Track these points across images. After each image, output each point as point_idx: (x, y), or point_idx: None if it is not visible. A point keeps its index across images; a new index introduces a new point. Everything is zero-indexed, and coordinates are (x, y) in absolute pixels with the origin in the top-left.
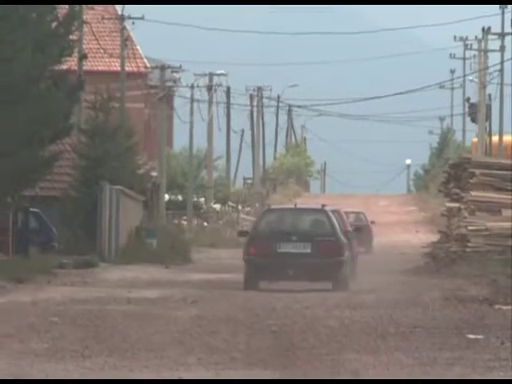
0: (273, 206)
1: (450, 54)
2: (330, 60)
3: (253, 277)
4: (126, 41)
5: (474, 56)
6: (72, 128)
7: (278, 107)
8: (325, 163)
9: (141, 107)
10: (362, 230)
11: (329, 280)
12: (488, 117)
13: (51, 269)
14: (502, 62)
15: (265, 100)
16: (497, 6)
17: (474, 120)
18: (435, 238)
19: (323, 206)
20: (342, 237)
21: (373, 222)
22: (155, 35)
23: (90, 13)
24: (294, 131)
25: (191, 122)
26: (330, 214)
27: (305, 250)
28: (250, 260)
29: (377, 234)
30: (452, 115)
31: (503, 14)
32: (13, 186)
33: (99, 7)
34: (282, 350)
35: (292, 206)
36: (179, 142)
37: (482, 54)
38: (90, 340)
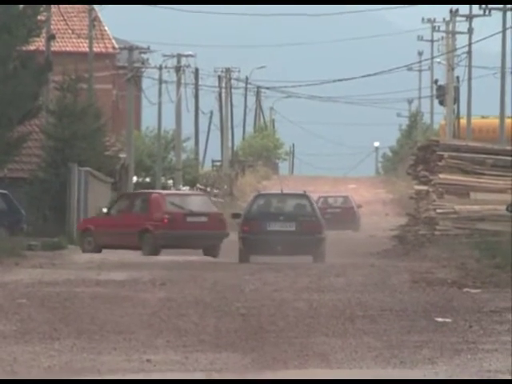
0: (262, 192)
1: (418, 36)
2: (298, 42)
3: (246, 251)
4: (93, 21)
5: (442, 38)
6: (40, 109)
7: (246, 89)
8: (293, 145)
9: (109, 88)
10: (348, 212)
11: (310, 254)
12: (456, 99)
13: (19, 251)
14: (469, 44)
15: (233, 81)
16: None
17: (441, 102)
18: (404, 220)
19: (304, 191)
20: (321, 217)
21: (360, 206)
22: (123, 16)
23: None
24: (262, 113)
25: (159, 104)
26: (311, 198)
27: (290, 228)
28: (244, 237)
29: None
30: (420, 97)
31: None
32: None
33: None
34: (251, 333)
35: (279, 192)
36: (147, 123)
37: (450, 36)
38: (59, 322)
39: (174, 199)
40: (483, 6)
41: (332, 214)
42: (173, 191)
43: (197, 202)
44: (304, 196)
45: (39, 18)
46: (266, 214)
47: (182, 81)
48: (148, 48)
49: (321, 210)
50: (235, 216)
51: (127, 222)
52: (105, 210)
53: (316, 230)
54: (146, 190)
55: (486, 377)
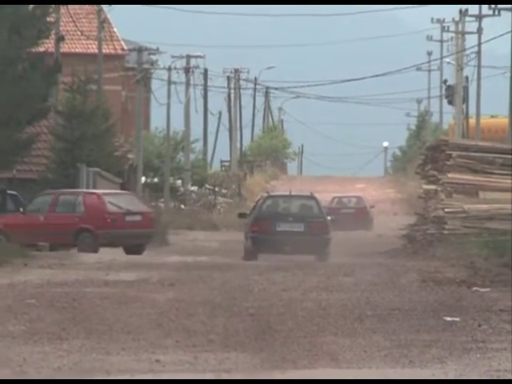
0: (271, 193)
1: (427, 36)
2: (307, 42)
3: (256, 250)
4: (103, 23)
5: (452, 38)
6: (49, 110)
7: (255, 89)
8: (302, 145)
9: (118, 89)
10: (361, 212)
11: (316, 253)
12: (465, 99)
13: (28, 251)
14: (479, 44)
15: (242, 82)
16: None
17: (450, 102)
18: (412, 220)
19: (312, 193)
20: (327, 218)
21: (372, 206)
22: (132, 17)
23: None
24: (271, 113)
25: (168, 104)
26: (318, 199)
27: (299, 228)
28: (253, 236)
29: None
30: (429, 97)
31: None
32: None
33: None
34: (260, 333)
35: (287, 193)
36: (156, 124)
37: (459, 36)
38: (68, 322)
39: (110, 199)
40: (492, 6)
41: (346, 214)
42: (105, 190)
43: (129, 201)
44: (311, 197)
45: (48, 19)
46: (276, 215)
47: (191, 82)
48: (157, 49)
49: (335, 210)
50: (241, 216)
51: (55, 221)
52: (21, 209)
53: (323, 230)
54: (74, 190)
55: (495, 376)
